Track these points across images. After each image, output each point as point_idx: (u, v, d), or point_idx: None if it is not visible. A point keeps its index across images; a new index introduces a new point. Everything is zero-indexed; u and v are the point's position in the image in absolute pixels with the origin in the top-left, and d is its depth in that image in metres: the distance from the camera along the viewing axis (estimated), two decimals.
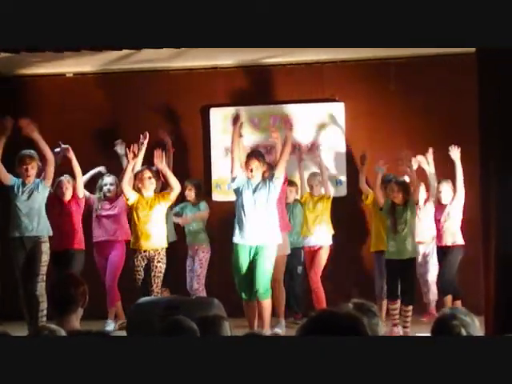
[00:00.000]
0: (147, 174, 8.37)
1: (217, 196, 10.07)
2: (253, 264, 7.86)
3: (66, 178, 8.74)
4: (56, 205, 8.66)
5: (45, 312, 7.80)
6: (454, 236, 8.96)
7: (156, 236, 8.31)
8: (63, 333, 3.70)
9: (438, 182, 9.09)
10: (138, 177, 8.43)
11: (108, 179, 9.12)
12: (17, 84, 10.37)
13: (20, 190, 8.07)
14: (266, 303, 7.94)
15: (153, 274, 8.24)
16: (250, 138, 9.89)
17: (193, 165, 10.21)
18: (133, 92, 10.25)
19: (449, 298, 8.81)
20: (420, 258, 9.03)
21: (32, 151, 8.17)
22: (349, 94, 10.02)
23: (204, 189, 9.60)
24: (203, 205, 9.30)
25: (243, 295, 7.94)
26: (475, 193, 7.59)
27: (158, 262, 8.26)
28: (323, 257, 9.10)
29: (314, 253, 9.12)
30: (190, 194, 9.26)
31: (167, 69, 10.18)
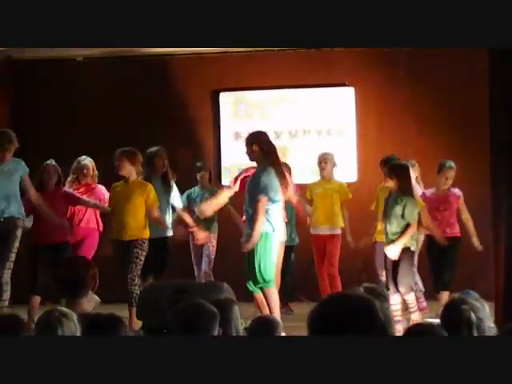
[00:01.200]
0: (117, 161, 7.78)
1: (226, 181, 10.06)
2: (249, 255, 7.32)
3: (52, 163, 8.13)
4: (44, 195, 7.95)
5: (6, 303, 7.35)
6: (452, 227, 8.68)
7: (135, 227, 7.79)
8: (74, 316, 3.70)
9: (439, 171, 8.74)
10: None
11: (85, 162, 8.55)
12: (26, 68, 10.37)
13: None
14: (268, 292, 7.50)
15: (129, 259, 7.72)
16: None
17: (202, 149, 10.21)
18: (143, 77, 10.24)
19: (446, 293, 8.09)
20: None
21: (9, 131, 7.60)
22: (359, 80, 10.01)
23: (214, 173, 9.55)
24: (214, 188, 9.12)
25: (251, 287, 7.34)
26: (486, 180, 7.55)
27: (135, 247, 7.72)
28: (337, 246, 8.72)
29: (326, 241, 8.74)
30: (205, 177, 8.85)
31: (177, 53, 10.15)
